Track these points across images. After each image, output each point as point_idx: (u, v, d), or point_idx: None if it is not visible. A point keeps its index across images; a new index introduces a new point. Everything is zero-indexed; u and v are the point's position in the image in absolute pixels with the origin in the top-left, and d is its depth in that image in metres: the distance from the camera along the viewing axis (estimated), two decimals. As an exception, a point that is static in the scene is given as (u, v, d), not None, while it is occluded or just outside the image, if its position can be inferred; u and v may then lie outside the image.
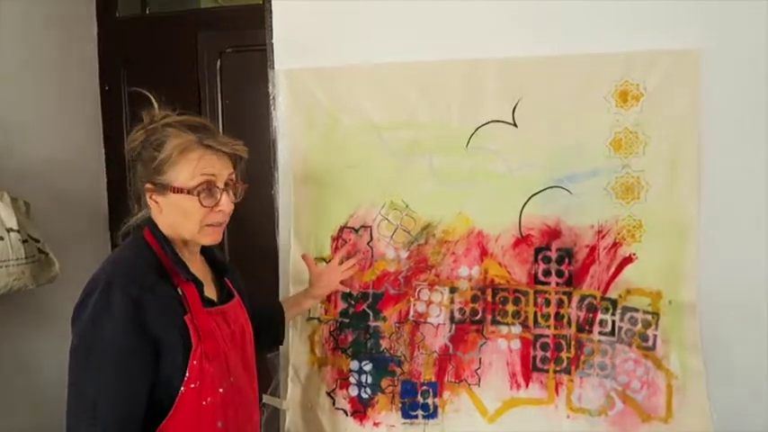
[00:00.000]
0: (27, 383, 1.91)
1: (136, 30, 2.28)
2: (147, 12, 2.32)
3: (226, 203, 1.11)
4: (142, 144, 1.09)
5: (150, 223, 1.13)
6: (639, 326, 1.41)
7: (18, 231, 1.81)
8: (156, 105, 1.12)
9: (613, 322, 1.43)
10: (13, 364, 1.92)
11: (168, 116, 1.11)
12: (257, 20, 1.61)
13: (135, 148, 1.10)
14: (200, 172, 1.07)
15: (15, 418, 1.86)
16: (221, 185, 1.10)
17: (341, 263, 1.49)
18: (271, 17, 1.55)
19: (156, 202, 1.09)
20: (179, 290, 1.08)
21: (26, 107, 2.03)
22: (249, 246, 2.06)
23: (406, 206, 1.50)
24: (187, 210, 1.08)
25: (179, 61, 2.23)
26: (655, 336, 1.41)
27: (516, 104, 1.44)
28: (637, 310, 1.42)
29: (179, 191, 1.07)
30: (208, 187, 1.08)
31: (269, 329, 1.41)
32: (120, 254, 1.11)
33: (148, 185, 1.09)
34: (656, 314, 1.41)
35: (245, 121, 2.17)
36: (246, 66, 2.16)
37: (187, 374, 1.04)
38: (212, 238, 1.13)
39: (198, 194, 1.07)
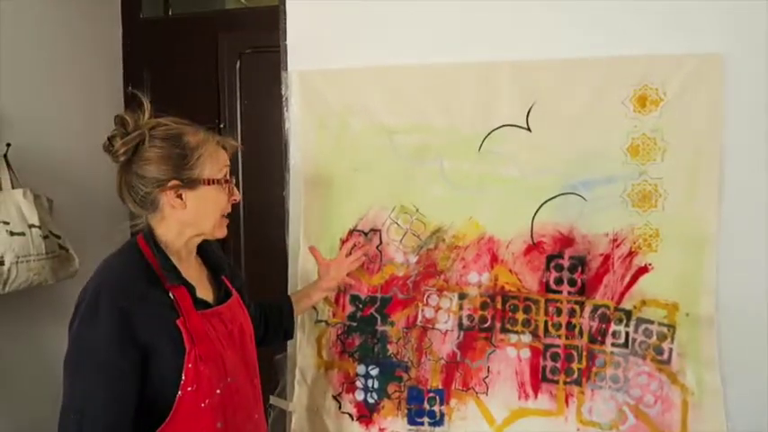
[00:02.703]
0: (46, 376, 1.95)
1: (158, 31, 2.32)
2: (170, 13, 2.36)
3: (237, 194, 1.18)
4: (137, 145, 1.08)
5: (144, 228, 1.13)
6: (654, 338, 1.37)
7: (39, 227, 1.85)
8: (147, 107, 1.11)
9: (627, 334, 1.38)
10: (33, 358, 1.97)
11: (159, 116, 1.12)
12: (276, 21, 1.61)
13: (126, 151, 1.07)
14: (223, 164, 1.14)
15: (34, 411, 1.90)
16: (231, 176, 1.17)
17: (348, 255, 1.48)
18: (285, 19, 1.55)
19: (181, 198, 1.10)
20: (170, 294, 1.08)
21: (51, 106, 2.08)
22: (262, 246, 2.07)
23: (416, 210, 1.49)
24: (214, 201, 1.13)
25: (200, 62, 2.25)
26: (670, 349, 1.36)
27: (530, 108, 1.41)
28: (652, 322, 1.37)
29: (212, 182, 1.11)
30: (227, 178, 1.15)
31: (279, 323, 1.43)
32: (110, 262, 1.11)
33: (174, 182, 1.08)
34: (672, 327, 1.36)
35: (263, 122, 2.18)
36: (265, 67, 2.16)
37: (183, 378, 1.05)
38: (224, 230, 1.18)
39: (227, 184, 1.14)
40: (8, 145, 1.85)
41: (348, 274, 1.48)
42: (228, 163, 1.15)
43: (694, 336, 1.35)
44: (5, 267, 1.75)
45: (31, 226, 1.84)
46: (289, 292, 1.56)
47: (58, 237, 1.94)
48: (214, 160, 1.12)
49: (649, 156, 1.37)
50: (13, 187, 1.85)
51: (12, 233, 1.79)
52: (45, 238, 1.87)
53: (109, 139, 1.09)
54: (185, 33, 2.29)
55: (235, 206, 1.19)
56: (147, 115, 1.11)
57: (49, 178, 2.01)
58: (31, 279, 1.82)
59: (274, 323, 1.41)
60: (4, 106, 1.88)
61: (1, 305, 1.87)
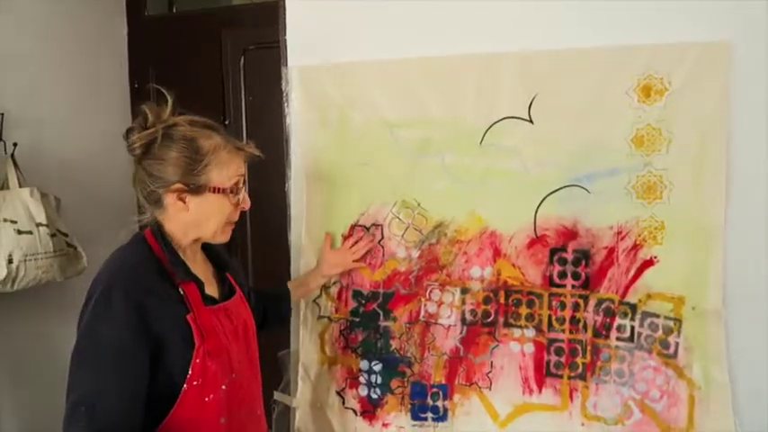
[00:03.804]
0: (55, 374, 1.98)
1: (163, 28, 2.32)
2: (174, 10, 2.36)
3: (248, 201, 1.17)
4: (151, 142, 1.08)
5: (153, 224, 1.13)
6: (660, 332, 1.35)
7: (47, 226, 1.87)
8: (170, 104, 1.11)
9: (632, 328, 1.36)
10: (42, 355, 1.99)
11: (178, 116, 1.11)
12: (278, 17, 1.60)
13: (142, 146, 1.08)
14: (234, 173, 1.12)
15: (43, 408, 1.93)
16: (242, 185, 1.15)
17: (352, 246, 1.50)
18: (285, 13, 1.55)
19: (184, 202, 1.10)
20: (180, 289, 1.08)
21: (57, 105, 2.10)
22: (267, 240, 2.07)
23: (418, 205, 1.48)
24: (218, 209, 1.12)
25: (204, 58, 2.25)
26: (676, 343, 1.34)
27: (533, 100, 1.39)
28: (658, 316, 1.35)
29: (218, 191, 1.10)
30: (237, 187, 1.13)
31: (277, 312, 1.45)
32: (120, 256, 1.11)
33: (179, 186, 1.08)
34: (678, 320, 1.34)
35: (267, 118, 2.17)
36: (269, 62, 2.14)
37: (190, 372, 1.05)
38: (227, 236, 1.18)
39: (234, 194, 1.12)
40: (15, 144, 1.87)
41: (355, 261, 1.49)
42: (242, 171, 1.14)
43: (701, 330, 1.32)
44: (14, 266, 1.77)
45: (38, 225, 1.86)
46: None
47: (66, 235, 1.96)
48: (224, 169, 1.10)
49: (654, 147, 1.34)
50: (20, 186, 1.87)
51: (19, 232, 1.81)
52: (52, 236, 1.89)
53: (127, 130, 1.10)
54: (189, 30, 2.29)
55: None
56: (168, 112, 1.10)
57: (55, 177, 2.02)
58: (40, 277, 1.85)
59: (272, 312, 1.43)
60: (10, 106, 1.90)
61: (10, 303, 1.89)
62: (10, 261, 1.77)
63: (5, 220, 1.80)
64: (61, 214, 1.99)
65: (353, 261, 1.49)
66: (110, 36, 2.32)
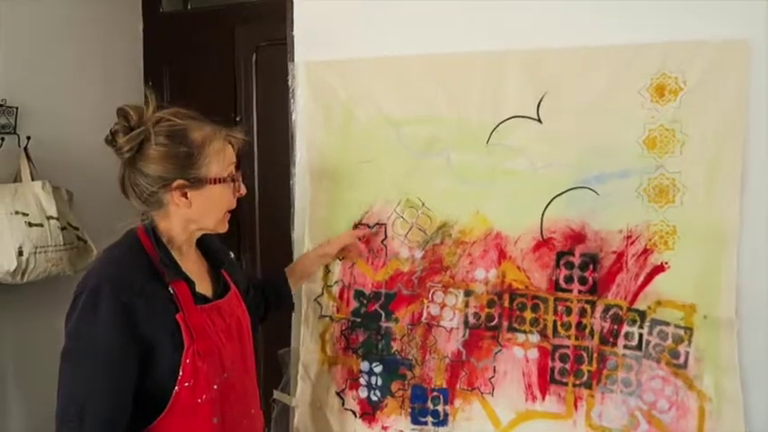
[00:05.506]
0: (63, 365, 2.00)
1: (177, 25, 2.34)
2: (189, 7, 2.38)
3: (243, 188, 1.16)
4: (141, 142, 1.06)
5: (146, 221, 1.12)
6: (670, 341, 1.29)
7: (57, 219, 1.90)
8: (151, 100, 1.09)
9: (641, 335, 1.31)
10: (51, 346, 2.01)
11: (162, 110, 1.09)
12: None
13: (131, 148, 1.05)
14: (229, 161, 1.12)
15: (51, 398, 1.95)
16: (237, 172, 1.15)
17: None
18: (292, 9, 1.53)
19: (186, 198, 1.08)
20: (170, 288, 1.06)
21: (71, 99, 2.12)
22: (276, 237, 2.06)
23: (422, 204, 1.45)
24: (220, 199, 1.11)
25: (217, 55, 2.26)
26: (687, 353, 1.28)
27: (541, 99, 1.35)
28: (667, 324, 1.30)
29: (218, 181, 1.09)
30: (234, 174, 1.13)
31: (278, 302, 1.45)
32: (110, 255, 1.10)
33: (180, 182, 1.06)
34: (689, 329, 1.28)
35: (278, 114, 2.16)
36: (281, 59, 2.15)
37: (180, 373, 1.04)
38: (226, 225, 1.17)
39: (233, 182, 1.12)
40: (28, 138, 1.90)
41: (347, 251, 1.47)
42: (234, 159, 1.13)
43: (713, 339, 1.27)
44: (24, 258, 1.80)
45: (49, 218, 1.88)
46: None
47: (77, 228, 1.98)
48: (221, 158, 1.10)
49: (667, 148, 1.29)
50: (32, 179, 1.90)
51: (30, 224, 1.84)
52: (63, 229, 1.91)
53: (112, 133, 1.07)
54: (203, 27, 2.30)
55: (250, 198, 1.18)
56: (151, 109, 1.08)
57: (68, 171, 2.05)
58: (49, 270, 1.87)
59: (273, 298, 1.43)
60: (24, 99, 1.92)
61: (20, 295, 1.91)
62: (20, 253, 1.80)
63: (17, 213, 1.83)
64: (73, 208, 2.01)
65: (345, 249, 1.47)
66: (125, 32, 2.35)
